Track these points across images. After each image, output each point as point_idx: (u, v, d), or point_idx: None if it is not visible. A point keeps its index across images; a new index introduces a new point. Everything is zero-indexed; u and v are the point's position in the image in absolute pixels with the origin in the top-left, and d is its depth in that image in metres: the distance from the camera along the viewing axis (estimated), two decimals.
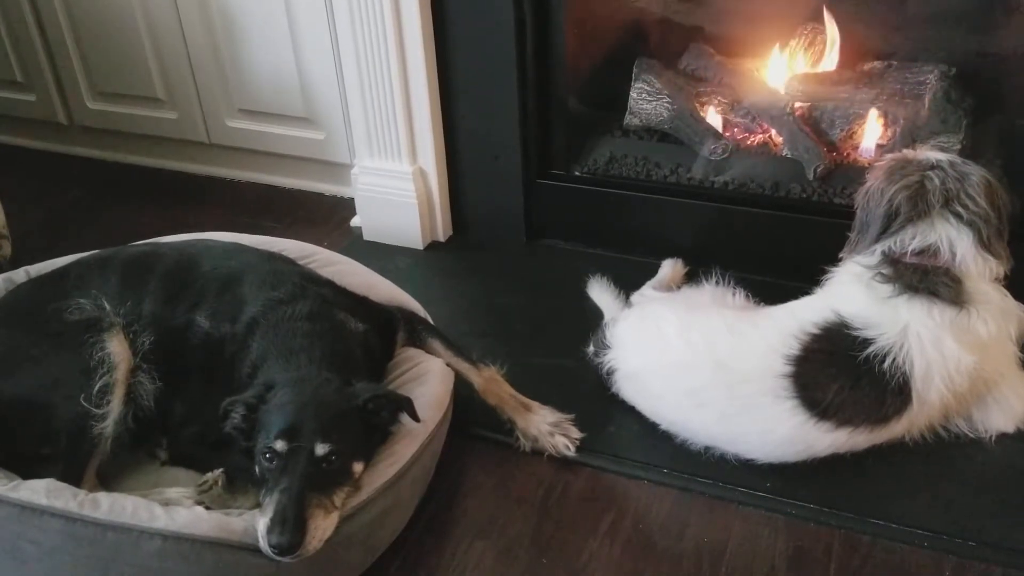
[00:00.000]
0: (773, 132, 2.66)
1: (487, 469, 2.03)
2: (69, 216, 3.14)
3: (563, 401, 2.10)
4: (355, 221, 2.98)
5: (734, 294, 2.16)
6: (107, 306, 1.93)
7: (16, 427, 1.81)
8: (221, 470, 1.80)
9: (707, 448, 1.99)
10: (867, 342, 1.84)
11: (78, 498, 1.57)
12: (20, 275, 2.19)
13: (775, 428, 1.87)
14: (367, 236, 2.90)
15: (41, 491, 1.57)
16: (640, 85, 2.70)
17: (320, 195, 3.21)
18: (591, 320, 2.35)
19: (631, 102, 2.72)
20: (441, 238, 2.87)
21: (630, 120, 2.75)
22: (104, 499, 1.58)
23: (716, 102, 2.71)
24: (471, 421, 2.09)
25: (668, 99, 2.69)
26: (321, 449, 1.60)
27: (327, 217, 3.09)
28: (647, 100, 2.70)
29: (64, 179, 3.37)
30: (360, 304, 2.08)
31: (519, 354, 2.23)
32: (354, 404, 1.71)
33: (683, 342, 1.97)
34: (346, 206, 3.10)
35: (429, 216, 2.82)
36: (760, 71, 2.73)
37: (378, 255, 2.79)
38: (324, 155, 3.09)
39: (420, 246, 2.83)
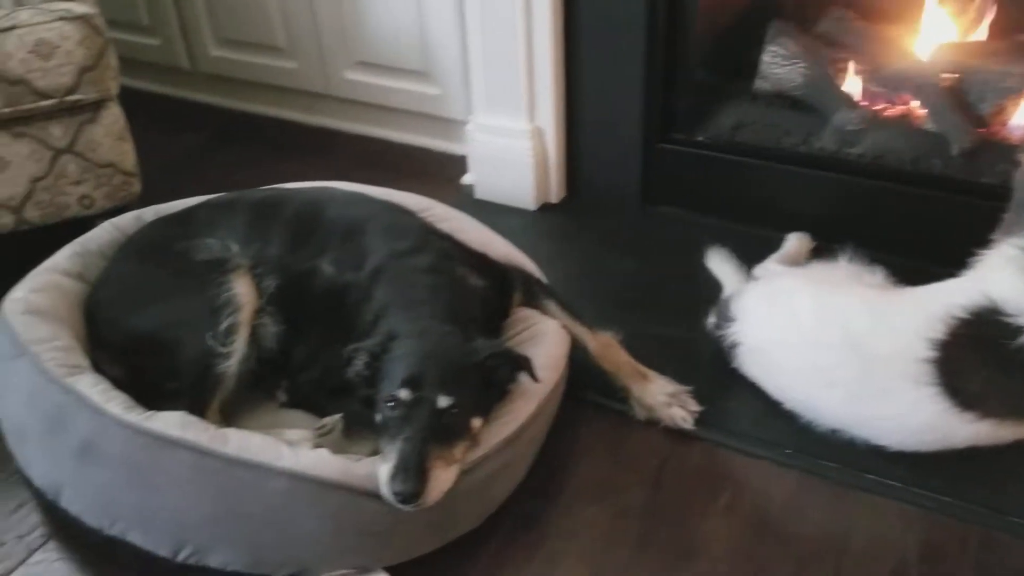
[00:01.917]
0: (915, 103, 2.51)
1: (599, 435, 1.99)
2: (187, 160, 3.20)
3: (679, 372, 2.04)
4: (466, 178, 2.95)
5: (871, 272, 2.05)
6: (234, 248, 1.95)
7: (144, 361, 1.85)
8: (339, 415, 1.82)
9: (834, 430, 1.90)
10: (1021, 330, 1.72)
11: (208, 432, 1.59)
12: (149, 213, 2.23)
13: (912, 414, 1.78)
14: (478, 194, 2.87)
15: (174, 423, 1.60)
16: (774, 48, 2.59)
17: (431, 151, 3.18)
18: (709, 291, 2.27)
19: (763, 66, 2.61)
20: (554, 200, 2.82)
21: (760, 85, 2.64)
22: (233, 435, 1.60)
23: (854, 69, 2.58)
24: (584, 386, 2.04)
25: (803, 64, 2.57)
26: (443, 401, 1.59)
27: (437, 173, 3.07)
28: (780, 64, 2.59)
29: (184, 124, 3.43)
30: (479, 260, 2.06)
31: (633, 322, 2.17)
32: (475, 359, 1.69)
33: (816, 318, 1.89)
34: (456, 163, 3.06)
35: (543, 177, 2.77)
36: (905, 38, 2.58)
37: (488, 214, 2.74)
38: (438, 111, 3.06)
39: (532, 207, 2.79)
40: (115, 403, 1.64)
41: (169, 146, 3.25)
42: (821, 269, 2.12)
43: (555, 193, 2.81)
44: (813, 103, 2.60)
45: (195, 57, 3.43)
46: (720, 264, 2.36)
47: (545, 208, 2.81)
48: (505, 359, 1.74)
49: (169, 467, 1.57)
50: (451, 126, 3.06)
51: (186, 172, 3.10)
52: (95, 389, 1.67)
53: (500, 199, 2.81)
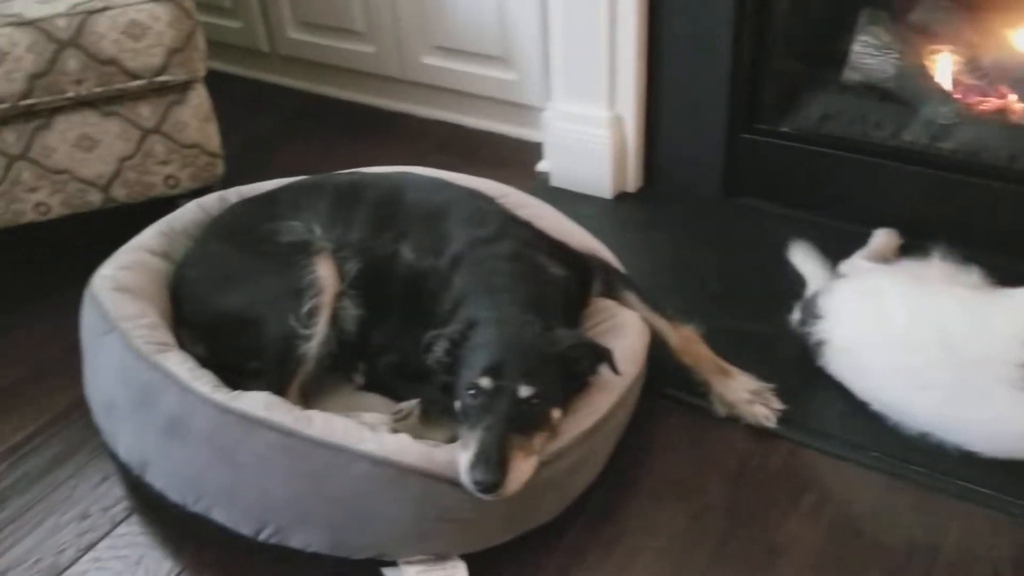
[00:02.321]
0: (1013, 97, 2.41)
1: (678, 431, 1.95)
2: (265, 142, 3.22)
3: (761, 369, 1.99)
4: (541, 166, 2.92)
5: (966, 271, 1.98)
6: (317, 230, 1.95)
7: (227, 340, 1.88)
8: (417, 401, 1.82)
9: (923, 434, 1.84)
10: None
11: (293, 414, 1.60)
12: (232, 195, 2.26)
13: (1009, 421, 1.71)
14: (554, 182, 2.84)
15: (260, 403, 1.61)
16: (865, 38, 2.51)
17: (505, 137, 3.16)
18: (791, 286, 2.21)
19: (853, 55, 2.53)
20: (631, 189, 2.77)
21: (849, 75, 2.56)
22: (317, 417, 1.61)
23: (949, 60, 2.48)
24: (662, 380, 2.00)
25: (895, 54, 2.48)
26: (525, 391, 1.57)
27: (511, 160, 3.04)
28: (871, 54, 2.51)
29: (261, 106, 3.46)
30: (559, 249, 2.03)
31: (713, 315, 2.11)
32: (556, 350, 1.67)
33: (909, 318, 1.83)
34: (531, 150, 3.04)
35: (621, 165, 2.73)
36: (1004, 28, 2.47)
37: (564, 202, 2.70)
38: (515, 96, 3.04)
39: (608, 195, 2.74)
40: (202, 381, 1.66)
41: (247, 128, 3.28)
42: (914, 267, 2.05)
43: (632, 182, 2.76)
44: (904, 95, 2.51)
45: (275, 40, 3.46)
46: (804, 259, 2.30)
47: (622, 197, 2.76)
48: (587, 350, 1.71)
49: (254, 446, 1.58)
50: (527, 112, 3.03)
51: (263, 154, 3.13)
52: (183, 367, 1.69)
53: (576, 187, 2.78)
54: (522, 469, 1.53)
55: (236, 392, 1.65)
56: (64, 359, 2.13)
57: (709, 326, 2.04)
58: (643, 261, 2.43)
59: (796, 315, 2.08)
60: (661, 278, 2.38)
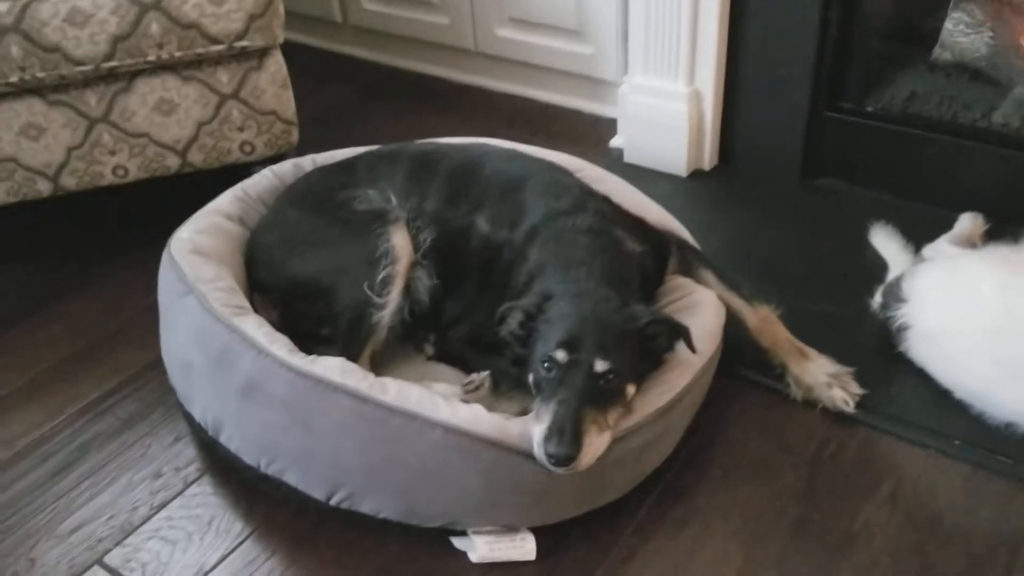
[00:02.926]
0: None
1: (753, 413, 1.91)
2: (336, 113, 3.23)
3: (839, 352, 1.93)
4: (615, 141, 2.88)
5: None
6: (393, 200, 1.95)
7: (301, 306, 1.89)
8: (487, 373, 1.81)
9: (1009, 424, 1.77)
10: None
11: (368, 380, 1.59)
12: (307, 162, 2.26)
13: None
14: (627, 158, 2.80)
15: (336, 369, 1.60)
16: (958, 15, 2.41)
17: (578, 112, 3.12)
18: (872, 270, 2.16)
19: (944, 33, 2.43)
20: (706, 167, 2.72)
21: (940, 54, 2.46)
22: (391, 385, 1.60)
23: None
24: (738, 361, 1.96)
25: (990, 32, 2.37)
26: (601, 365, 1.55)
27: (584, 135, 3.01)
28: (964, 32, 2.41)
29: (333, 76, 3.47)
30: (637, 224, 2.00)
31: (790, 297, 2.05)
32: (634, 326, 1.64)
33: (1001, 305, 1.75)
34: (604, 126, 3.00)
35: (698, 142, 2.67)
36: None
37: (637, 178, 2.62)
38: (589, 71, 2.99)
39: (683, 173, 2.70)
40: (279, 345, 1.66)
41: (318, 98, 3.29)
42: (1005, 252, 1.97)
43: (708, 160, 2.71)
44: (996, 75, 2.41)
45: (347, 10, 3.46)
46: (885, 242, 2.25)
47: (697, 175, 2.71)
48: (665, 327, 1.68)
49: (329, 411, 1.57)
50: (601, 87, 2.99)
51: (334, 124, 3.15)
52: (260, 331, 1.69)
53: (650, 163, 2.73)
54: (596, 444, 1.51)
55: (312, 357, 1.64)
56: (141, 321, 2.17)
57: (787, 307, 1.99)
58: (719, 240, 2.39)
59: (878, 299, 2.03)
60: (737, 258, 2.33)
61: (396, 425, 1.54)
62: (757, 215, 2.51)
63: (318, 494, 1.65)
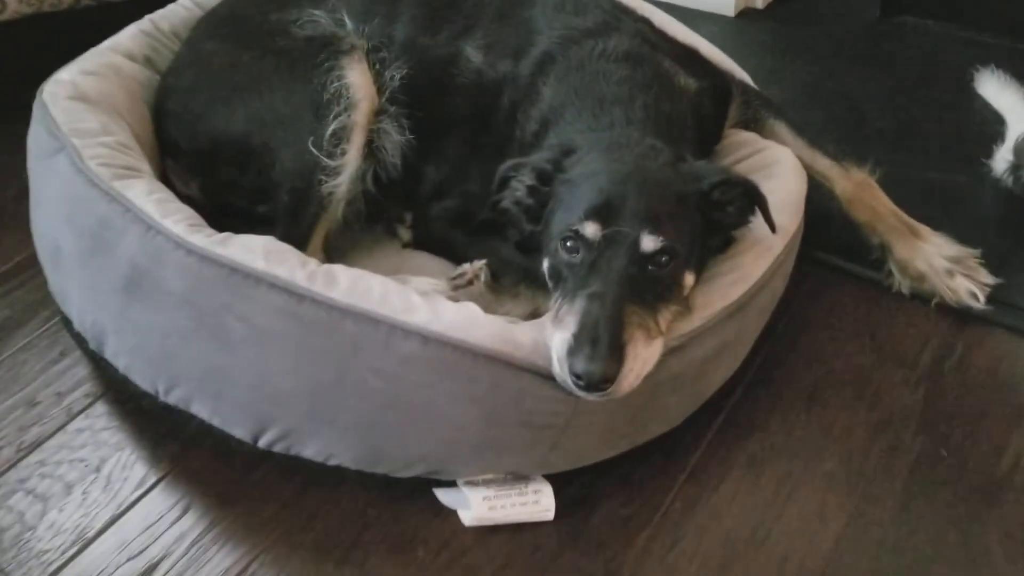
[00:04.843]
0: None
1: (845, 312, 1.57)
2: None
3: (956, 231, 1.60)
4: None
5: None
6: (348, 22, 1.56)
7: (227, 173, 1.55)
8: (484, 262, 1.42)
9: None
10: None
11: (307, 267, 1.19)
12: None
13: None
14: None
15: (258, 250, 1.20)
16: None
17: None
18: (983, 125, 1.84)
19: None
20: (759, 4, 2.38)
21: None
22: (343, 274, 1.19)
23: None
24: (824, 243, 1.59)
25: None
26: (649, 242, 1.16)
27: None
28: None
29: None
30: (689, 55, 1.57)
31: (882, 159, 1.66)
32: (695, 188, 1.25)
33: None
34: None
35: None
36: None
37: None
38: None
39: (731, 12, 2.40)
40: (176, 218, 1.25)
41: None
42: None
43: None
44: None
45: None
46: (996, 90, 1.99)
47: (748, 14, 2.36)
48: (737, 192, 1.30)
49: (249, 313, 1.18)
50: None
51: None
52: (150, 198, 1.29)
53: (692, 3, 2.38)
54: (643, 357, 1.13)
55: (224, 235, 1.25)
56: (18, 202, 1.72)
57: (880, 173, 1.60)
58: (780, 92, 2.01)
59: (1000, 162, 1.72)
60: (807, 114, 1.95)
61: (350, 332, 1.15)
62: (827, 62, 2.20)
63: (240, 432, 1.27)
